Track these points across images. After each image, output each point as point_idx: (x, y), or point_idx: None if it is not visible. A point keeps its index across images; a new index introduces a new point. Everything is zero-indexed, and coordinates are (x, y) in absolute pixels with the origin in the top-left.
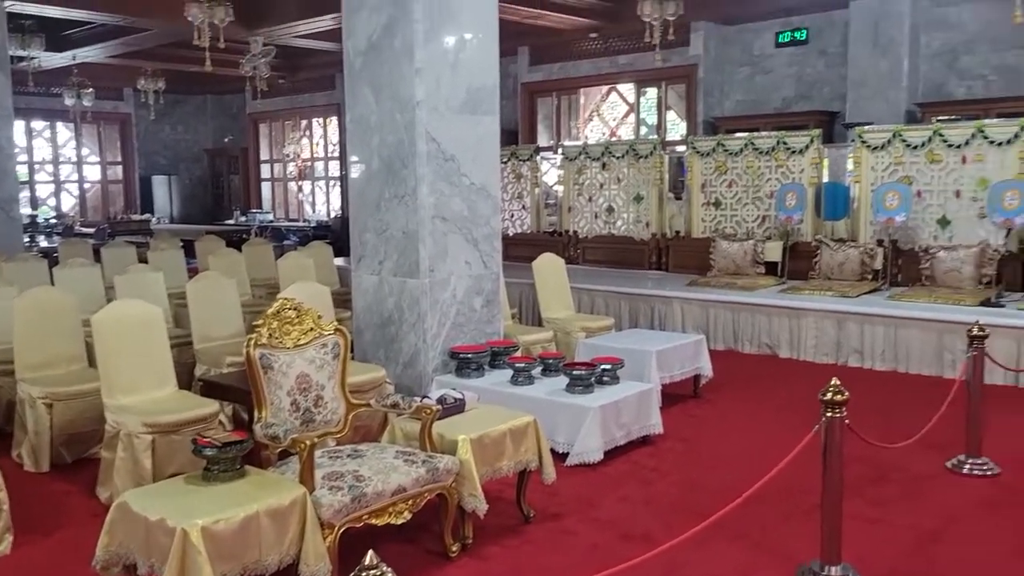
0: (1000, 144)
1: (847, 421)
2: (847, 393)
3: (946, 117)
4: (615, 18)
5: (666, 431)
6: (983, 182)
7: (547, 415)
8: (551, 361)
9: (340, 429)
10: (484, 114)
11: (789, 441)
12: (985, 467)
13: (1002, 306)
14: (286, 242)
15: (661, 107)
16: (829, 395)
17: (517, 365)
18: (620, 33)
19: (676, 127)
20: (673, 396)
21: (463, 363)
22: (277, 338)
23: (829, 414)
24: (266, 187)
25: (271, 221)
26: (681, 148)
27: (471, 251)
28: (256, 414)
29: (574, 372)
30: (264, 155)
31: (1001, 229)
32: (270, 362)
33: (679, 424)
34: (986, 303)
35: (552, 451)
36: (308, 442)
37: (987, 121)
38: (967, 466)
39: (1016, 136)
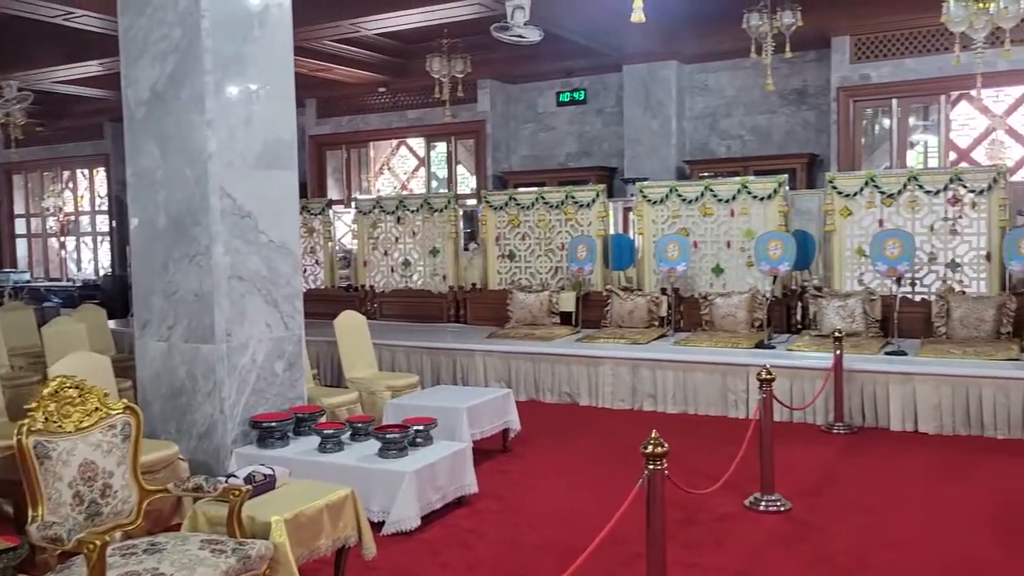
0: (762, 199)
1: (667, 472)
2: (666, 445)
3: (709, 173)
4: (404, 73)
5: (480, 490)
6: (749, 233)
7: (360, 483)
8: (360, 425)
9: (133, 520)
10: (282, 168)
11: (601, 491)
12: (778, 503)
13: (773, 347)
14: (47, 304)
15: (451, 161)
16: (651, 448)
17: (325, 431)
18: (409, 88)
19: (466, 181)
20: (484, 452)
21: (266, 433)
22: (55, 422)
23: (651, 466)
24: (21, 244)
25: (28, 281)
26: (472, 202)
27: (271, 312)
28: (31, 512)
29: (387, 436)
30: (19, 209)
31: (767, 276)
32: (47, 451)
33: (493, 481)
34: (760, 345)
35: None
36: (98, 542)
37: (751, 178)
38: (763, 503)
39: (775, 192)
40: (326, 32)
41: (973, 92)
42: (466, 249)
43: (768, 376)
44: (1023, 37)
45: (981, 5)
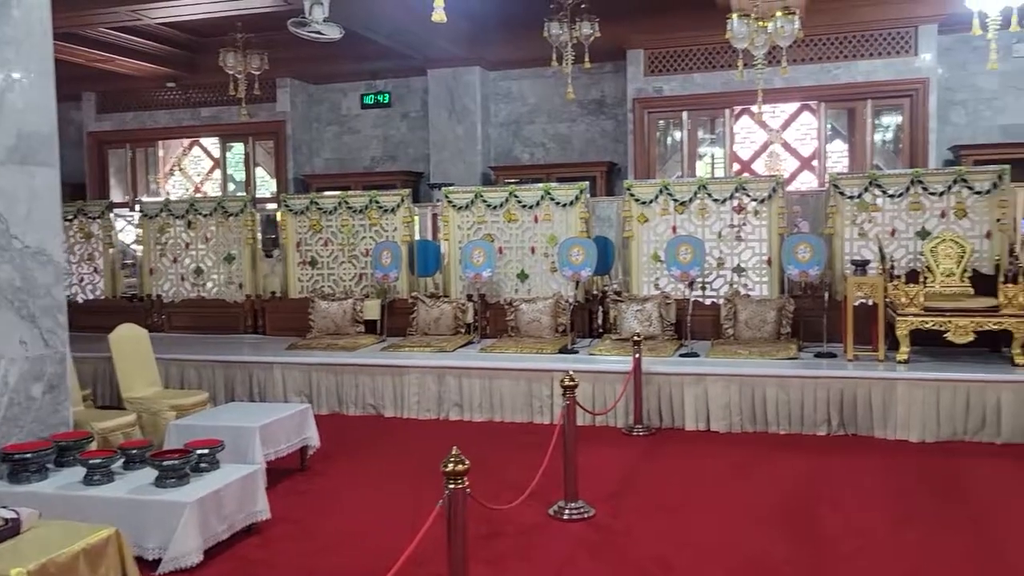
0: (564, 205)
1: (468, 490)
2: (467, 462)
3: (514, 179)
4: (195, 68)
5: (274, 515)
6: (552, 239)
7: (133, 518)
8: (135, 451)
9: None
10: (40, 165)
11: (404, 509)
12: (582, 510)
13: (576, 352)
14: None
15: (249, 163)
16: (451, 466)
17: (91, 461)
18: (202, 84)
19: (266, 184)
20: (279, 473)
21: (19, 466)
22: None
23: (452, 485)
24: None
25: None
26: (272, 206)
27: (27, 328)
28: None
29: (164, 463)
30: None
31: (570, 282)
32: None
33: (288, 505)
34: (564, 350)
35: (141, 559)
36: None
37: (553, 185)
38: (567, 512)
39: (577, 198)
40: (102, 18)
41: (753, 107)
42: (269, 255)
43: (571, 383)
44: (799, 56)
45: (761, 23)
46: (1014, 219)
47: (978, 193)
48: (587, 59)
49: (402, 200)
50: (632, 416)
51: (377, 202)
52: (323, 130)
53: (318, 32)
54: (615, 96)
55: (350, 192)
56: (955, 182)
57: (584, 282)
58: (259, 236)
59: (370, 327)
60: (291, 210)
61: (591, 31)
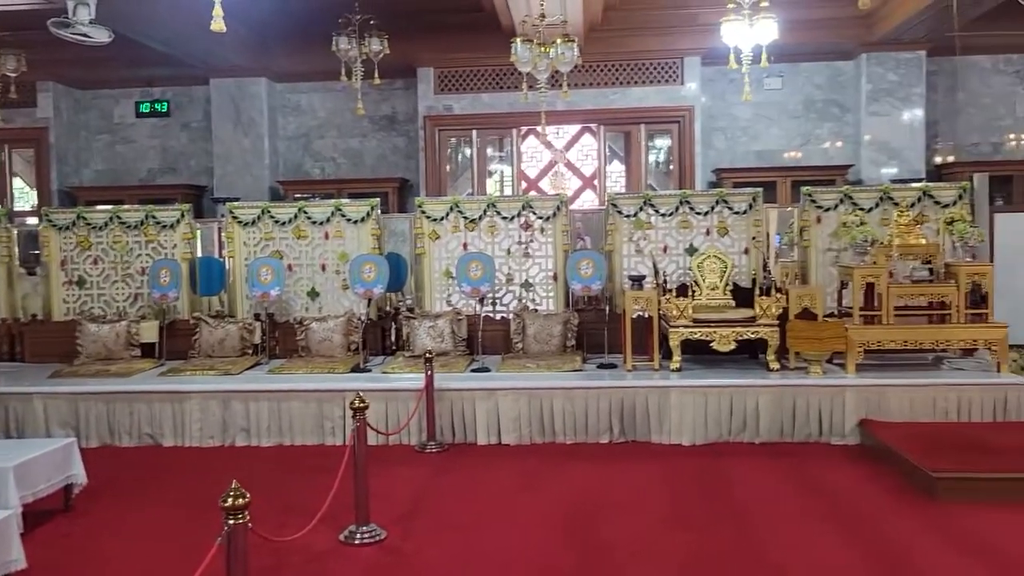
0: (356, 222)
1: (250, 525)
2: (248, 496)
3: (304, 195)
4: None
5: (31, 563)
6: (344, 256)
7: None
8: None
9: None
10: None
11: (182, 549)
12: (373, 533)
13: (369, 370)
14: None
15: (4, 173)
16: (230, 500)
17: None
18: None
19: (26, 196)
20: (39, 515)
21: None
22: None
23: (232, 520)
24: None
25: None
26: (34, 220)
27: None
28: None
29: None
30: None
31: (362, 299)
32: None
33: (48, 551)
34: (356, 369)
35: None
36: None
37: (344, 201)
38: (358, 536)
39: (368, 215)
40: None
41: (538, 128)
42: (32, 274)
43: (360, 404)
44: (579, 81)
45: (543, 49)
46: (767, 236)
47: (737, 213)
48: (377, 75)
49: (182, 215)
50: (425, 433)
51: (154, 217)
52: (93, 139)
53: (83, 35)
54: (406, 112)
55: (124, 207)
56: (717, 203)
57: (376, 299)
58: (16, 253)
59: (147, 351)
60: (55, 225)
61: (380, 48)
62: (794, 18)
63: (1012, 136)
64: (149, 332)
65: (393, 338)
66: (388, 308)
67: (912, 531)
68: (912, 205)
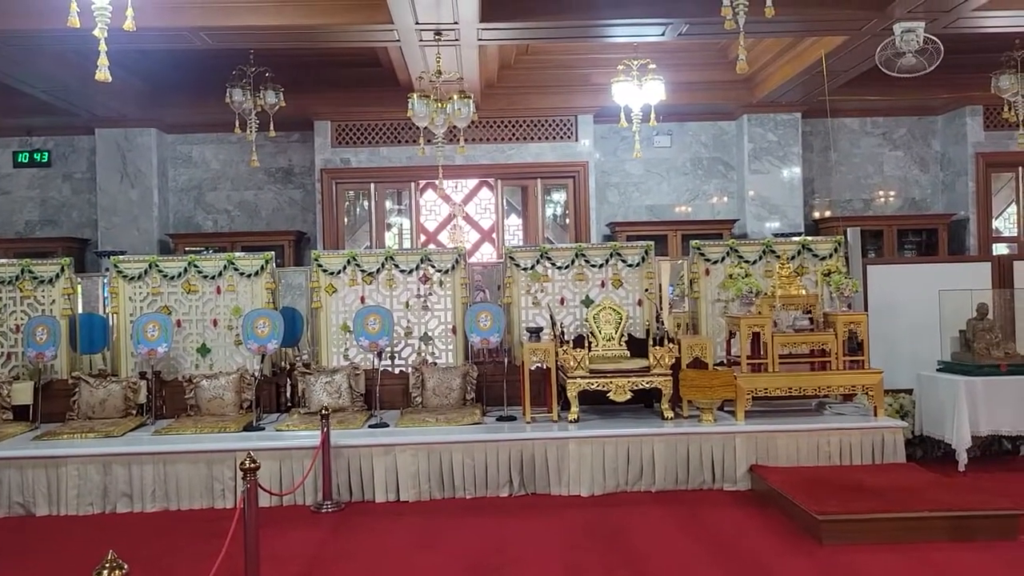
0: (249, 275)
1: None
2: (126, 567)
3: (196, 248)
4: None
5: None
6: (237, 311)
7: None
8: None
9: None
10: None
11: None
12: None
13: (262, 428)
14: None
15: None
16: (105, 572)
17: None
18: None
19: None
20: None
21: None
22: None
23: None
24: None
25: None
26: None
27: None
28: None
29: None
30: None
31: (256, 355)
32: None
33: None
34: (249, 427)
35: None
36: None
37: (237, 255)
38: None
39: (262, 268)
40: None
41: (436, 181)
42: None
43: (252, 464)
44: (476, 136)
45: (440, 104)
46: (660, 288)
47: (630, 265)
48: (272, 128)
49: (62, 269)
50: (321, 492)
51: (31, 271)
52: None
53: None
54: (303, 165)
55: None
56: (611, 256)
57: (271, 355)
58: None
59: (20, 413)
60: None
61: (276, 100)
62: (680, 80)
63: (880, 193)
64: (22, 394)
65: (288, 395)
66: (283, 364)
67: (799, 573)
68: (792, 258)
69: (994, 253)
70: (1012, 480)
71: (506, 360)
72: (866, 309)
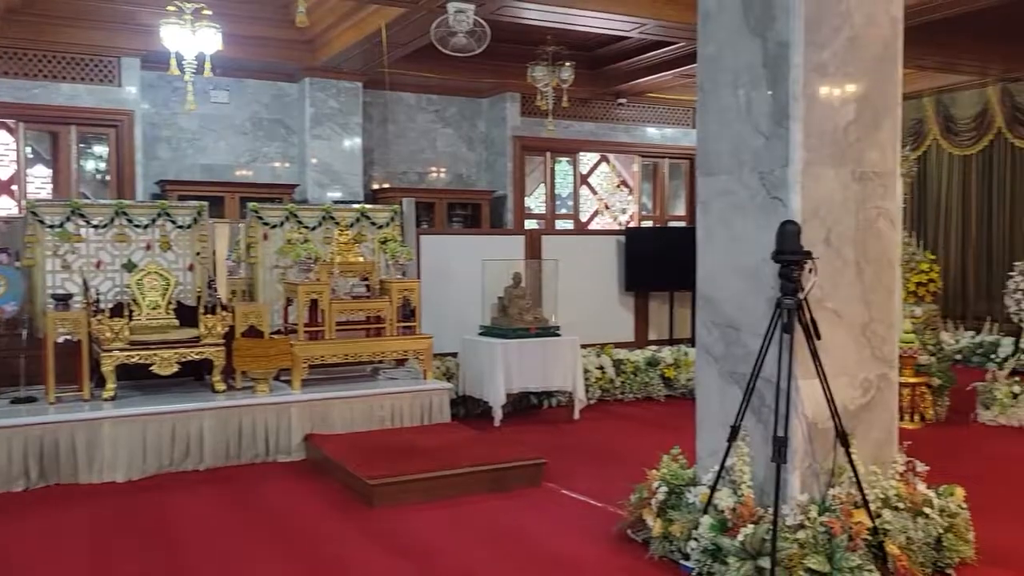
0: None
1: None
2: None
3: None
4: None
5: None
6: None
7: None
8: None
9: None
10: None
11: None
12: None
13: None
14: None
15: None
16: None
17: None
18: None
19: None
20: None
21: None
22: None
23: None
24: None
25: None
26: None
27: None
28: None
29: None
30: None
31: None
32: None
33: None
34: None
35: None
36: None
37: None
38: None
39: None
40: None
41: None
42: None
43: None
44: None
45: None
46: (213, 252)
47: (181, 227)
48: None
49: None
50: None
51: None
52: None
53: None
54: None
55: None
56: (159, 215)
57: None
58: None
59: None
60: None
61: None
62: (239, 33)
63: (433, 168)
64: None
65: None
66: None
67: (351, 539)
68: (351, 225)
69: (526, 228)
70: (538, 432)
71: (25, 332)
72: (419, 277)
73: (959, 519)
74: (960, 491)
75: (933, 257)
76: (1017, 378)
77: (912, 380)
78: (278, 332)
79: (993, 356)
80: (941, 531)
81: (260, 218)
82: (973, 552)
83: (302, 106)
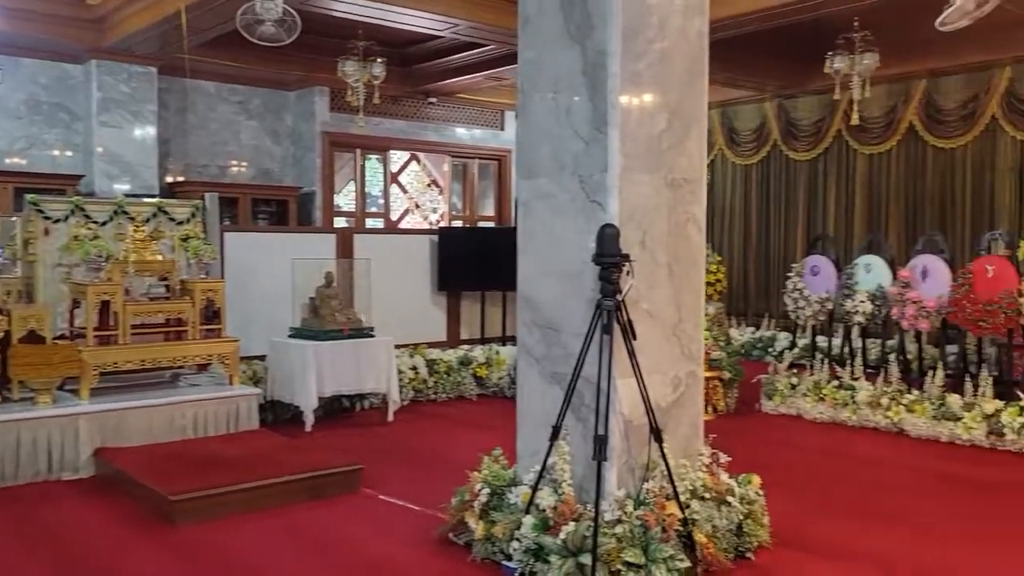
0: None
1: None
2: None
3: None
4: None
5: None
6: None
7: None
8: None
9: None
10: None
11: None
12: None
13: None
14: None
15: None
16: None
17: None
18: None
19: None
20: None
21: None
22: None
23: None
24: None
25: None
26: None
27: None
28: None
29: None
30: None
31: None
32: None
33: None
34: None
35: None
36: None
37: None
38: None
39: None
40: None
41: None
42: None
43: None
44: None
45: None
46: None
47: None
48: None
49: None
50: None
51: None
52: None
53: None
54: None
55: None
56: None
57: None
58: None
59: None
60: None
61: None
62: (14, 5)
63: (235, 162)
64: None
65: None
66: None
67: (151, 562)
68: (148, 220)
69: (336, 226)
70: (352, 435)
71: None
72: (223, 276)
73: (756, 505)
74: (757, 479)
75: (720, 258)
76: (795, 371)
77: (706, 374)
78: (62, 337)
79: (771, 350)
80: (741, 518)
81: (40, 211)
82: (768, 536)
83: (88, 90)
